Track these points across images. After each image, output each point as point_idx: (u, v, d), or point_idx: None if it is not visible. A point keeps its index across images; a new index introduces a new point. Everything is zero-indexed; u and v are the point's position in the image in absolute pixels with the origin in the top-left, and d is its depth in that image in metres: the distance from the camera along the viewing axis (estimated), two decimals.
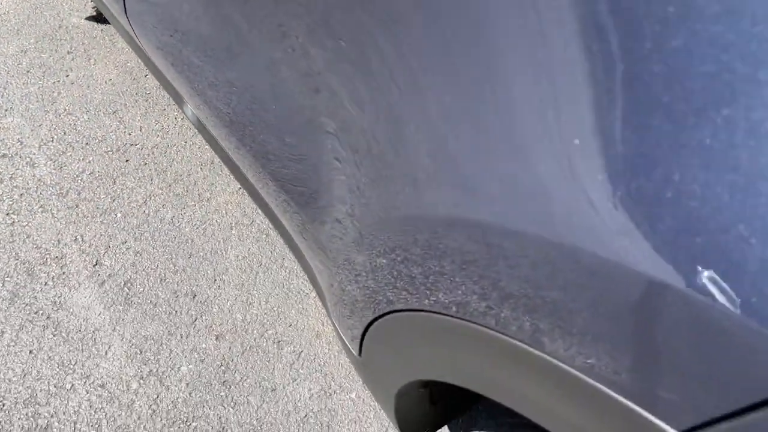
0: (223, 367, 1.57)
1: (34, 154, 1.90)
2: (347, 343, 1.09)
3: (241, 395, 1.53)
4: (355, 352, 1.05)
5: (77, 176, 1.86)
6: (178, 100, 1.49)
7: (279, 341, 1.63)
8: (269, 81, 0.95)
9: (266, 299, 1.70)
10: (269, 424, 1.49)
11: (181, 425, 1.46)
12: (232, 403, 1.51)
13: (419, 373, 0.82)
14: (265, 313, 1.68)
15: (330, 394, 1.57)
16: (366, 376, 1.07)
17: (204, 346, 1.60)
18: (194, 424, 1.47)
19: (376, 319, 0.85)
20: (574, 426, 0.57)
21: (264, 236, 1.83)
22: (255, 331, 1.64)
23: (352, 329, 1.00)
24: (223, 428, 1.47)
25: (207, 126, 1.36)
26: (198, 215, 1.84)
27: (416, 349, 0.79)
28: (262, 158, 1.11)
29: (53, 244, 1.72)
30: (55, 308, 1.60)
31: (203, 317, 1.65)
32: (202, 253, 1.77)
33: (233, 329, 1.64)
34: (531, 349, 0.56)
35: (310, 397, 1.55)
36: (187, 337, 1.61)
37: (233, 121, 1.16)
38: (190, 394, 1.51)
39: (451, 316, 0.67)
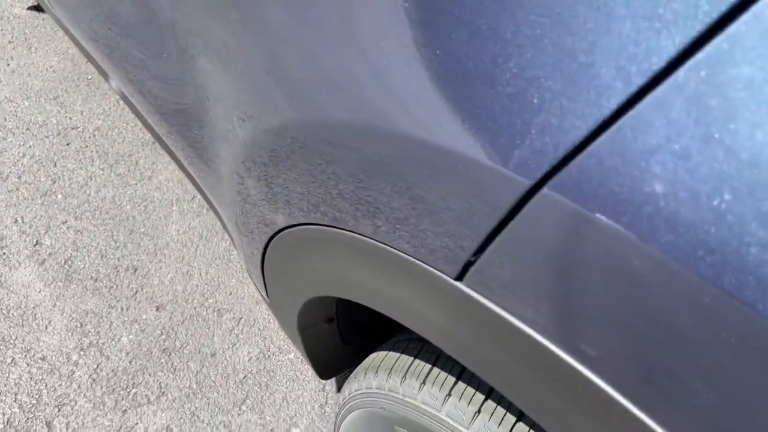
0: (163, 336, 1.63)
1: None
2: (260, 290, 1.16)
3: (180, 361, 1.59)
4: (264, 295, 1.12)
5: (17, 161, 1.92)
6: (105, 76, 1.56)
7: (219, 309, 1.70)
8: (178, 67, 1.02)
9: (206, 270, 1.77)
10: (208, 387, 1.56)
11: (121, 392, 1.53)
12: (171, 369, 1.58)
13: (307, 291, 0.88)
14: (205, 284, 1.75)
15: (269, 356, 1.64)
16: (277, 316, 1.14)
17: (145, 317, 1.66)
18: (134, 390, 1.54)
19: (266, 246, 0.92)
20: (410, 309, 0.65)
21: (205, 210, 1.90)
22: (195, 301, 1.71)
23: (256, 269, 1.07)
24: (162, 393, 1.54)
25: (138, 109, 1.42)
26: (139, 193, 1.91)
27: (300, 265, 0.86)
28: (191, 141, 1.17)
29: None
30: None
31: (144, 290, 1.71)
32: (143, 229, 1.83)
33: (174, 300, 1.70)
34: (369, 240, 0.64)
35: (249, 360, 1.62)
36: (127, 310, 1.67)
37: (158, 106, 1.22)
38: (130, 362, 1.58)
39: (326, 226, 0.73)
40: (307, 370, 1.62)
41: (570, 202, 0.42)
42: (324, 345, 1.13)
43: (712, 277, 0.36)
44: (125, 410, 1.50)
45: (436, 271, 0.55)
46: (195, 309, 1.70)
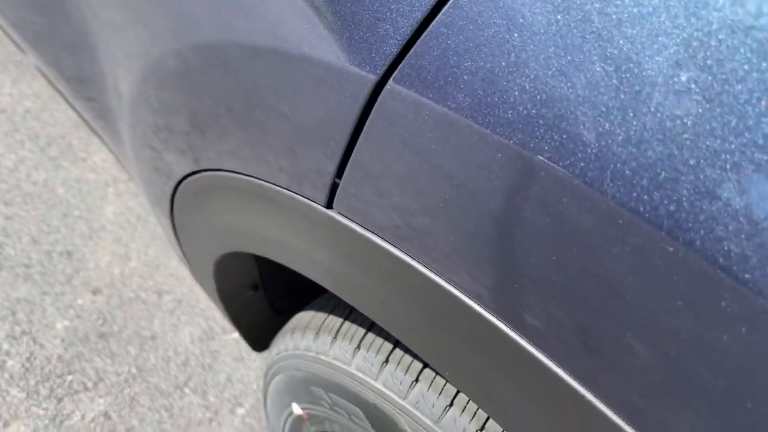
0: (100, 321, 1.58)
1: None
2: (182, 259, 1.11)
3: (119, 346, 1.54)
4: (186, 264, 1.07)
5: None
6: (21, 48, 1.49)
7: (159, 291, 1.65)
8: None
9: (145, 251, 1.71)
10: (148, 371, 1.51)
11: (56, 380, 1.47)
12: (109, 354, 1.52)
13: (210, 248, 0.84)
14: (144, 265, 1.69)
15: (212, 337, 1.59)
16: (202, 286, 1.09)
17: (80, 302, 1.60)
18: (70, 377, 1.48)
19: (172, 205, 0.87)
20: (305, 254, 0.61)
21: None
22: (134, 284, 1.65)
23: (172, 239, 1.02)
24: (100, 379, 1.48)
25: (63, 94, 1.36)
26: (73, 175, 1.84)
27: (198, 218, 0.81)
28: (104, 116, 1.11)
29: None
30: None
31: (79, 274, 1.65)
32: (77, 212, 1.76)
33: (111, 283, 1.64)
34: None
35: (191, 341, 1.57)
36: (62, 295, 1.61)
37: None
38: (65, 349, 1.52)
39: (212, 170, 0.69)
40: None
41: (417, 94, 0.37)
42: (253, 314, 1.09)
43: (549, 154, 0.32)
44: (61, 398, 1.44)
45: (308, 201, 0.51)
46: (134, 292, 1.64)
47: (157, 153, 0.86)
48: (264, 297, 1.06)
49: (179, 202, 0.82)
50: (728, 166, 0.29)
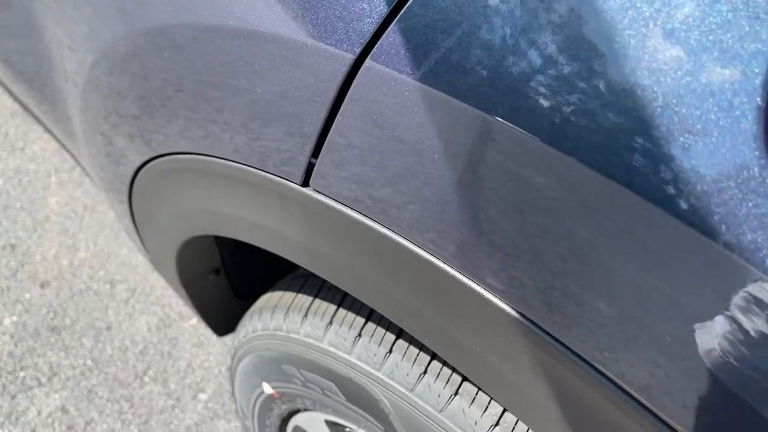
0: (51, 314, 1.53)
1: None
2: (139, 247, 1.09)
3: (72, 339, 1.50)
4: (144, 251, 1.05)
5: None
6: None
7: (111, 281, 1.61)
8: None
9: (94, 241, 1.67)
10: (105, 362, 1.48)
11: (8, 376, 1.42)
12: (63, 348, 1.48)
13: (174, 233, 0.83)
14: (94, 256, 1.64)
15: (169, 324, 1.57)
16: (161, 273, 1.07)
17: (28, 296, 1.55)
18: (22, 373, 1.43)
19: (131, 190, 0.86)
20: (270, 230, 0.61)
21: (87, 179, 1.78)
22: (84, 275, 1.61)
23: (130, 226, 1.00)
24: (54, 373, 1.44)
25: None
26: (12, 166, 1.76)
27: (160, 202, 0.80)
28: (50, 101, 1.07)
29: None
30: None
31: (25, 268, 1.59)
32: (18, 204, 1.70)
33: (59, 275, 1.59)
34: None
35: (148, 330, 1.55)
36: (8, 291, 1.55)
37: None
38: (15, 345, 1.47)
39: (180, 153, 0.68)
40: (212, 335, 1.56)
41: (396, 72, 0.39)
42: (214, 298, 1.08)
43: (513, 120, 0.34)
44: (14, 395, 1.40)
45: (283, 180, 0.51)
46: (84, 283, 1.59)
47: (108, 138, 0.84)
48: (225, 281, 1.06)
49: (139, 189, 0.81)
50: (683, 126, 0.31)
